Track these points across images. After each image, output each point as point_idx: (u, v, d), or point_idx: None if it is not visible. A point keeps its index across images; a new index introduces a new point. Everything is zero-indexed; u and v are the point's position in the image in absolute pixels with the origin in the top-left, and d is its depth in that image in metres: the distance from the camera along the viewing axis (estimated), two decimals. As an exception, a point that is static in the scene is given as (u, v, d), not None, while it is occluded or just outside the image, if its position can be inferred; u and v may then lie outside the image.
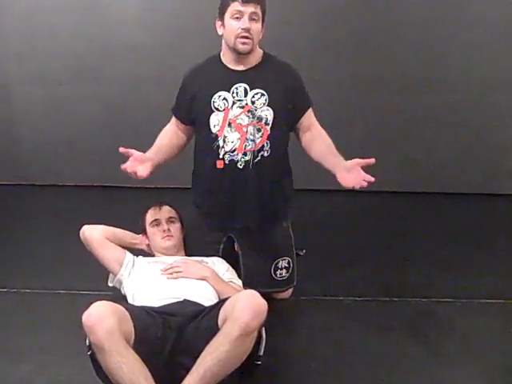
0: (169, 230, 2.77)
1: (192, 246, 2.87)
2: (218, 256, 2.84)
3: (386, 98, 4.54)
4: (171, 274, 2.55)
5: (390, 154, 4.67)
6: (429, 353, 2.64)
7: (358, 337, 2.76)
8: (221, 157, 2.71)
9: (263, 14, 2.64)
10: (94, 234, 2.82)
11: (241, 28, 2.58)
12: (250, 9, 2.56)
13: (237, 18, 2.58)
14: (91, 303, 2.26)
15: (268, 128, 2.70)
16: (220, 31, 2.68)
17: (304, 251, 3.03)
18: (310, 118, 2.84)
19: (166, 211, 2.85)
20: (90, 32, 4.45)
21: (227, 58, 2.73)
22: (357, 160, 2.57)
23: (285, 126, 2.79)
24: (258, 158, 2.71)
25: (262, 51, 2.77)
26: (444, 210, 4.44)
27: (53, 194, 4.62)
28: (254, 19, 2.59)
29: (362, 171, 2.55)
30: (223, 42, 2.71)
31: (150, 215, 2.85)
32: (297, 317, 2.96)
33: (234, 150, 2.69)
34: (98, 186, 4.73)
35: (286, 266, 2.93)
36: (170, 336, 2.20)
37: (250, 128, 2.68)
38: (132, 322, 2.14)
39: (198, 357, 2.08)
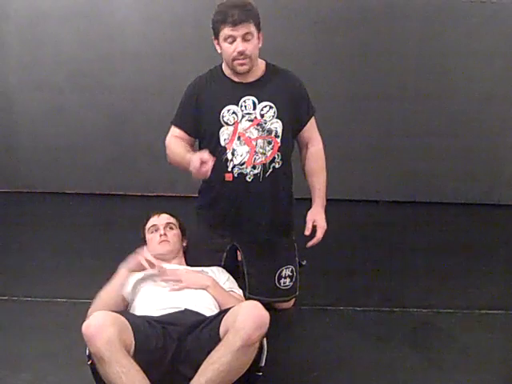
0: (165, 234, 2.77)
1: (194, 254, 2.87)
2: (220, 265, 2.83)
3: (385, 108, 4.55)
4: (172, 285, 2.54)
5: (390, 165, 4.68)
6: (429, 363, 2.63)
7: (358, 347, 2.76)
8: (229, 170, 2.70)
9: (258, 26, 2.61)
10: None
11: (236, 51, 2.57)
12: (241, 31, 2.54)
13: (230, 41, 2.57)
14: (88, 311, 2.27)
15: (278, 140, 2.70)
16: (218, 49, 2.67)
17: (305, 262, 3.02)
18: (310, 129, 2.85)
19: (165, 218, 2.84)
20: (92, 41, 4.46)
21: (229, 72, 2.72)
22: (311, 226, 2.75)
23: (292, 138, 2.82)
24: (271, 170, 2.72)
25: (264, 62, 2.77)
26: (444, 220, 4.43)
27: (53, 201, 4.61)
28: (248, 39, 2.57)
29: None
30: (223, 57, 2.69)
31: (149, 222, 2.85)
32: (298, 327, 2.95)
33: (243, 164, 2.69)
34: (98, 194, 4.72)
35: (290, 274, 2.93)
36: (170, 346, 2.19)
37: (260, 141, 2.68)
38: (132, 332, 2.13)
39: (198, 367, 2.08)
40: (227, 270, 2.81)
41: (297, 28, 4.39)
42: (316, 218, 2.75)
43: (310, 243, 2.74)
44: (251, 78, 2.71)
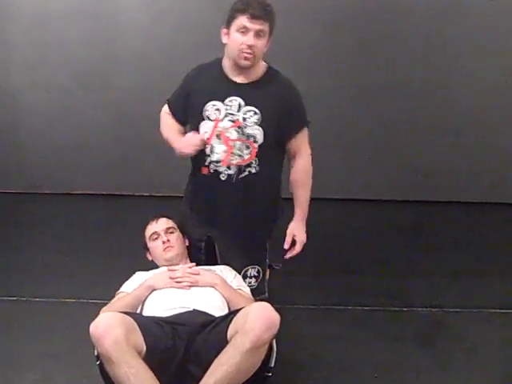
0: (168, 240, 2.76)
1: None
2: (200, 253, 2.83)
3: (390, 106, 4.54)
4: (181, 282, 2.53)
5: (395, 163, 4.67)
6: (437, 362, 2.63)
7: (366, 346, 2.76)
8: (206, 164, 2.70)
9: (271, 30, 2.60)
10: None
11: (245, 44, 2.54)
12: (256, 26, 2.52)
13: (242, 32, 2.54)
14: (99, 312, 2.27)
15: (256, 146, 2.66)
16: (224, 39, 2.64)
17: (280, 265, 3.00)
18: (300, 141, 2.77)
19: (163, 223, 2.82)
20: (98, 41, 4.46)
21: (228, 66, 2.69)
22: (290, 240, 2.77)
23: (277, 146, 2.75)
24: (246, 173, 2.68)
25: (265, 65, 2.73)
26: (452, 219, 4.43)
27: (60, 202, 4.62)
28: (260, 35, 2.55)
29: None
30: (226, 50, 2.67)
31: (148, 230, 2.84)
32: (305, 326, 2.96)
33: (219, 162, 2.67)
34: (105, 195, 4.72)
35: (256, 274, 2.86)
36: (179, 346, 2.18)
37: (238, 143, 2.66)
38: (141, 333, 2.13)
39: (207, 367, 2.08)
40: (207, 260, 2.80)
41: (300, 25, 4.38)
42: (296, 232, 2.75)
43: (287, 255, 2.75)
44: (246, 79, 2.67)
